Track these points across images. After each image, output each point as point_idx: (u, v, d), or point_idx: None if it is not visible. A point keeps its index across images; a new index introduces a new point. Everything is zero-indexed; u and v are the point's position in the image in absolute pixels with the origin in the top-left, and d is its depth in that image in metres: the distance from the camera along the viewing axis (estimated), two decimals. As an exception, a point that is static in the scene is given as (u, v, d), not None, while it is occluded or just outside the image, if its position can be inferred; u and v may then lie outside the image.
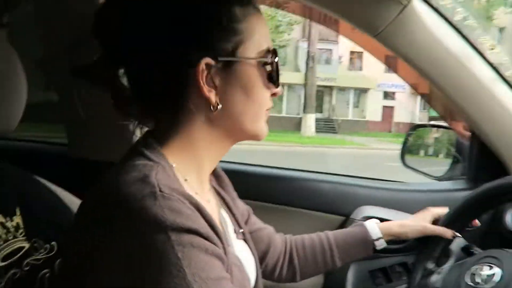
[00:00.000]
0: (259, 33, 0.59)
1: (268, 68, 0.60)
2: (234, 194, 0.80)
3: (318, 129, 17.73)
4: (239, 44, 0.57)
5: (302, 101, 18.04)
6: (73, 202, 0.82)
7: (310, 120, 16.53)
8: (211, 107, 0.56)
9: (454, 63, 0.94)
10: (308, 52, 16.90)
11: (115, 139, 1.01)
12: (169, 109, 0.58)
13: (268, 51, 0.60)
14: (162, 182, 0.50)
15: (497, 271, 0.71)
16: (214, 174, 0.75)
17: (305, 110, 16.97)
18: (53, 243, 0.75)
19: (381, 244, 0.87)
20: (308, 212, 1.21)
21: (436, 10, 0.90)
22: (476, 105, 0.99)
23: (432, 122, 1.60)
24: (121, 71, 0.60)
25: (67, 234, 0.60)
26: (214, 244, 0.52)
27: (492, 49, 0.95)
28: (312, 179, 1.28)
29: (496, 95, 0.98)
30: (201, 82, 0.54)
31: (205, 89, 0.55)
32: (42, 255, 0.73)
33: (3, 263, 0.67)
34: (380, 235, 0.86)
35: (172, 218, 0.48)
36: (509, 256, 0.73)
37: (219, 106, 0.56)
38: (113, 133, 0.97)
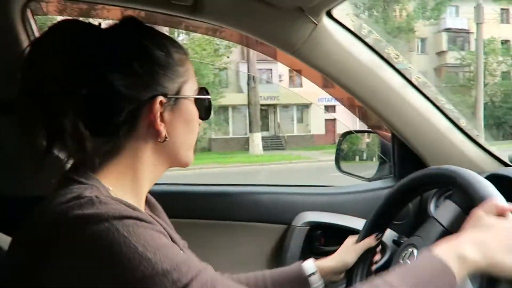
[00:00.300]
0: (192, 75, 0.69)
1: (204, 103, 0.71)
2: (169, 222, 0.82)
3: (266, 147, 17.99)
4: (183, 84, 0.66)
5: (248, 121, 18.30)
6: (5, 241, 0.80)
7: (257, 139, 16.76)
8: (159, 138, 0.63)
9: (366, 72, 1.04)
10: (249, 73, 17.28)
11: (42, 174, 0.99)
12: (114, 140, 0.61)
13: (200, 89, 0.70)
14: (97, 195, 0.54)
15: (414, 251, 0.79)
16: (147, 202, 0.77)
17: (251, 129, 17.20)
18: None
19: (316, 282, 0.87)
20: (251, 224, 1.25)
21: (344, 27, 1.00)
22: (390, 109, 1.10)
23: (359, 129, 1.71)
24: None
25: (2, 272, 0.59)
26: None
27: (397, 57, 1.07)
28: (251, 192, 1.33)
29: (407, 98, 1.09)
30: (156, 117, 0.62)
31: (157, 122, 0.62)
32: None
33: None
34: (313, 269, 0.88)
35: (111, 211, 0.51)
36: (421, 238, 0.80)
37: (167, 138, 0.64)
38: (39, 167, 0.95)
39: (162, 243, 0.52)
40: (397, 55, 1.07)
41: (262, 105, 19.02)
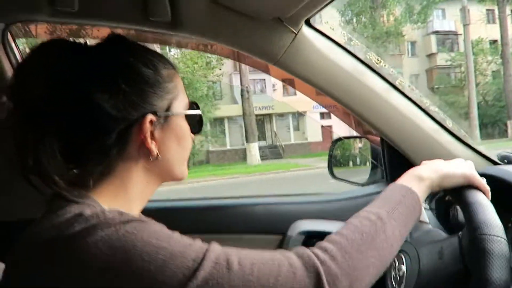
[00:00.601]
0: (182, 90, 0.68)
1: (195, 117, 0.70)
2: None
3: (264, 157, 17.99)
4: (172, 100, 0.65)
5: (244, 131, 18.32)
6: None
7: (253, 149, 16.75)
8: (150, 157, 0.62)
9: (349, 78, 1.05)
10: (241, 84, 17.36)
11: (27, 197, 0.98)
12: (106, 160, 0.60)
13: (191, 104, 0.70)
14: (102, 210, 0.55)
15: (402, 267, 0.78)
16: None
17: (247, 140, 17.20)
18: None
19: None
20: (245, 237, 1.24)
21: (324, 35, 1.01)
22: (376, 113, 1.10)
23: (348, 135, 1.71)
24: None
25: None
26: None
27: (379, 62, 1.08)
28: (244, 204, 1.32)
29: (391, 102, 1.10)
30: (146, 136, 0.61)
31: (148, 141, 0.61)
32: None
33: None
34: None
35: (117, 218, 0.52)
36: (410, 247, 0.80)
37: (159, 156, 0.63)
38: (21, 190, 0.94)
39: (169, 232, 0.53)
40: (378, 60, 1.08)
41: (257, 115, 19.07)
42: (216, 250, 0.52)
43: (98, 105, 0.58)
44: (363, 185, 1.46)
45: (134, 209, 0.65)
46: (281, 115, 22.42)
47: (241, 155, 18.51)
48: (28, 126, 0.58)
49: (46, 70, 0.58)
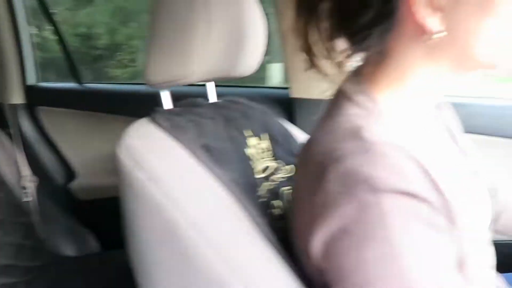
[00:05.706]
0: None
1: None
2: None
3: None
4: None
5: None
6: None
7: None
8: (433, 35, 0.42)
9: None
10: None
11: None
12: (381, 37, 0.44)
13: None
14: (375, 135, 0.41)
15: None
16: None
17: None
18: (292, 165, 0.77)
19: None
20: None
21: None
22: None
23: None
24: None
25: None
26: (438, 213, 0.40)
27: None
28: None
29: None
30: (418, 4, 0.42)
31: (423, 13, 0.41)
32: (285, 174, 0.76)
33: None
34: None
35: (385, 177, 0.38)
36: None
37: (443, 33, 0.42)
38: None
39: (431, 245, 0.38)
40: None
41: None
42: None
43: None
44: None
45: (416, 103, 0.49)
46: None
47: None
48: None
49: None
